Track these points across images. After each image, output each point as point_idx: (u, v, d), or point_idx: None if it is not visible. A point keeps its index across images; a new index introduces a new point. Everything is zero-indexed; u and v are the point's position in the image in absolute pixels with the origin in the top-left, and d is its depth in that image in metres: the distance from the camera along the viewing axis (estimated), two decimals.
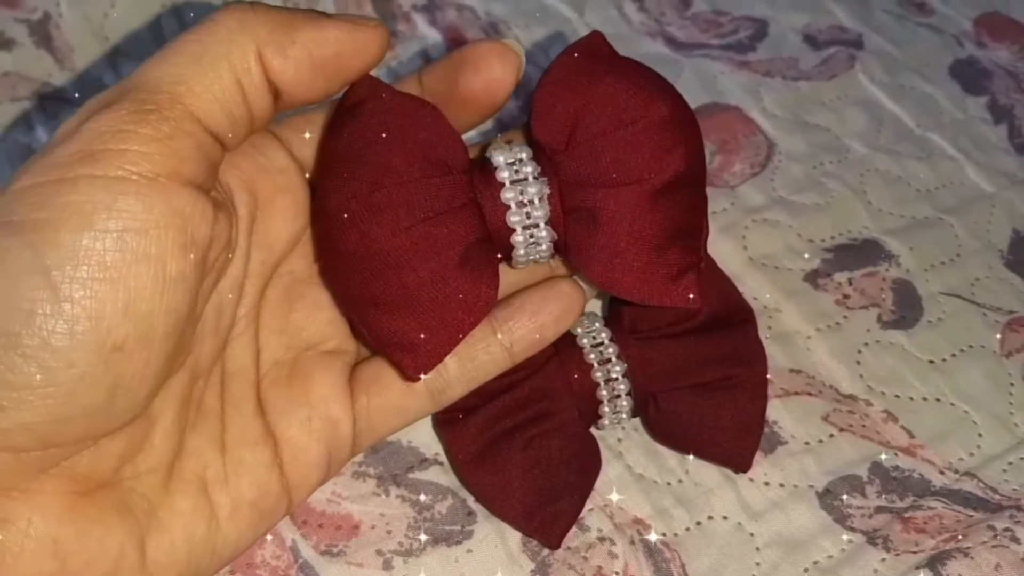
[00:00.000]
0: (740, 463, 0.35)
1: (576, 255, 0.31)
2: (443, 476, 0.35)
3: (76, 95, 0.44)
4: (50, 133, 0.42)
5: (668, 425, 0.35)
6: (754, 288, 0.42)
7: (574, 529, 0.34)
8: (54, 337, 0.24)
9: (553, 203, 0.31)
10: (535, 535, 0.34)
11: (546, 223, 0.31)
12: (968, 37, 0.54)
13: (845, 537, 0.35)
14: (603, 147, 0.30)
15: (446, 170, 0.30)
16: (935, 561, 0.34)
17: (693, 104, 0.34)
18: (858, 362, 0.40)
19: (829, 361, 0.40)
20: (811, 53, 0.52)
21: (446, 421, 0.35)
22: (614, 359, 0.35)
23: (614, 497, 0.35)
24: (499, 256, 0.32)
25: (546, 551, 0.34)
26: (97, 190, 0.24)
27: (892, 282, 0.43)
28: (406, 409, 0.33)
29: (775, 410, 0.38)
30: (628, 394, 0.35)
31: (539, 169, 0.31)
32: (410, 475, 0.35)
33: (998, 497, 0.37)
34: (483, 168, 0.31)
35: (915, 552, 0.35)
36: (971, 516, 0.36)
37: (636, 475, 0.36)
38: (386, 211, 0.29)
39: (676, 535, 0.35)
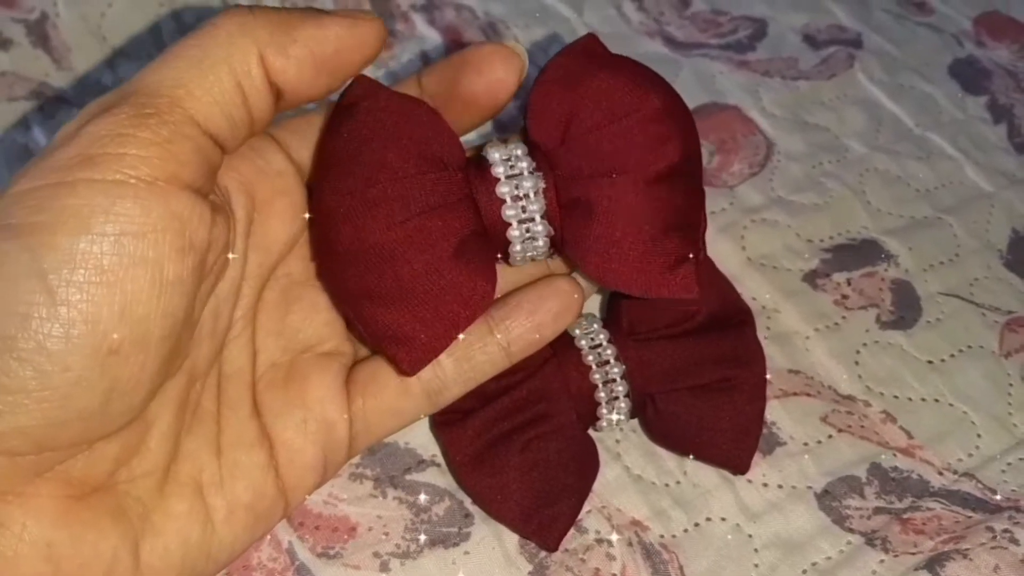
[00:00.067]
0: (738, 465, 0.35)
1: (573, 248, 0.31)
2: (440, 478, 0.35)
3: (73, 95, 0.44)
4: (47, 133, 0.42)
5: (666, 427, 0.35)
6: (753, 288, 0.42)
7: (572, 531, 0.34)
8: (50, 341, 0.24)
9: (549, 197, 0.31)
10: (533, 538, 0.34)
11: (542, 217, 0.31)
12: (968, 36, 0.54)
13: (844, 538, 0.35)
14: (597, 140, 0.30)
15: (442, 166, 0.30)
16: (934, 562, 0.34)
17: (692, 104, 0.34)
18: (857, 362, 0.40)
19: (828, 361, 0.40)
20: (810, 53, 0.52)
21: (444, 423, 0.35)
22: (612, 360, 0.35)
23: (612, 499, 0.35)
24: (497, 256, 0.32)
25: (544, 553, 0.34)
26: (95, 194, 0.24)
27: (891, 282, 0.43)
28: (402, 410, 0.33)
29: (774, 411, 0.38)
30: (626, 396, 0.35)
31: (534, 164, 0.31)
32: (407, 477, 0.35)
33: (997, 498, 0.37)
34: (479, 165, 0.31)
35: (914, 553, 0.35)
36: (970, 517, 0.36)
37: (634, 476, 0.36)
38: (381, 206, 0.29)
39: (674, 536, 0.35)
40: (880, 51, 0.53)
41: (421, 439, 0.36)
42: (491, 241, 0.31)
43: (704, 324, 0.36)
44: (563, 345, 0.35)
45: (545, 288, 0.33)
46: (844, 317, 0.42)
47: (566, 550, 0.34)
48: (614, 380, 0.35)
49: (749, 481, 0.36)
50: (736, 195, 0.45)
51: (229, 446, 0.30)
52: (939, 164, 0.48)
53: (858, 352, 0.40)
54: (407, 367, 0.31)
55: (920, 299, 0.43)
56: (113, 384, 0.25)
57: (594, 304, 0.40)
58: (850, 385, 0.39)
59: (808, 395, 0.39)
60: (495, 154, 0.31)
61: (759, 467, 0.37)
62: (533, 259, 0.32)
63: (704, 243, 0.33)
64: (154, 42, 0.46)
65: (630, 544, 0.34)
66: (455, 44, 0.49)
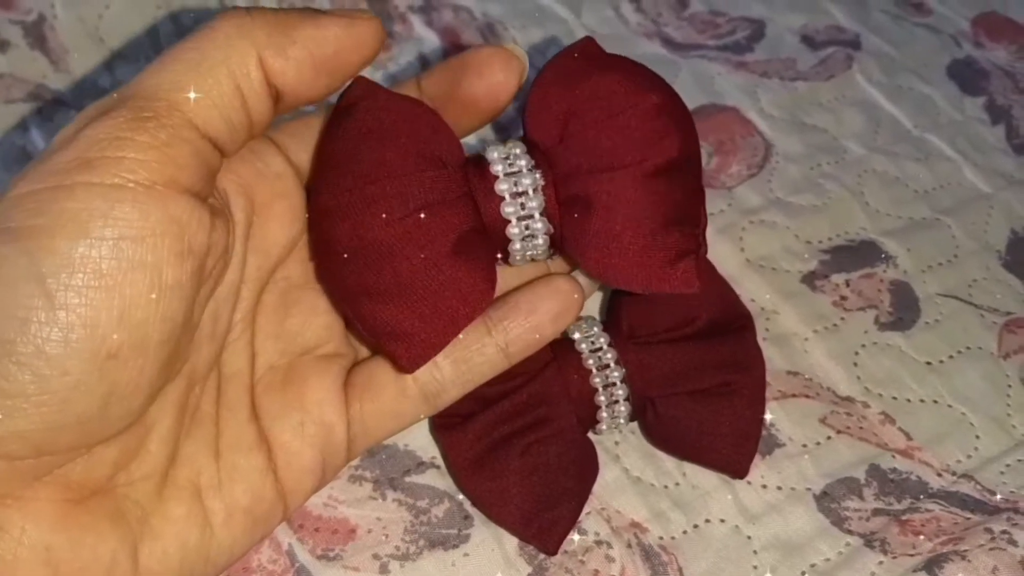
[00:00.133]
0: (737, 470, 0.35)
1: (572, 244, 0.31)
2: (440, 480, 0.35)
3: (71, 97, 0.44)
4: (45, 135, 0.42)
5: (666, 431, 0.35)
6: (751, 290, 0.42)
7: (571, 532, 0.34)
8: (48, 345, 0.24)
9: (548, 194, 0.31)
10: (533, 541, 0.34)
11: (541, 214, 0.31)
12: (966, 37, 0.54)
13: (843, 540, 0.35)
14: (596, 137, 0.30)
15: (440, 165, 0.30)
16: (932, 564, 0.34)
17: (690, 105, 0.34)
18: (855, 364, 0.40)
19: (827, 363, 0.40)
20: (808, 54, 0.52)
21: (443, 426, 0.35)
22: (612, 364, 0.35)
23: (611, 500, 0.35)
24: (497, 255, 0.31)
25: (543, 555, 0.34)
26: (94, 197, 0.24)
27: (890, 283, 0.43)
28: (400, 413, 0.33)
29: (773, 412, 0.38)
30: (626, 399, 0.35)
31: (533, 162, 0.31)
32: (407, 479, 0.35)
33: (995, 500, 0.37)
34: (478, 164, 0.31)
35: (912, 555, 0.35)
36: (968, 518, 0.36)
37: (633, 478, 0.36)
38: (379, 202, 0.29)
39: (673, 538, 0.35)
40: (878, 52, 0.53)
41: (420, 441, 0.36)
42: (491, 240, 0.31)
43: (704, 329, 0.36)
44: (563, 348, 0.35)
45: (544, 288, 0.33)
46: (843, 318, 0.42)
47: (565, 552, 0.34)
48: (614, 384, 0.35)
49: (748, 483, 0.36)
50: (735, 196, 0.45)
51: (228, 449, 0.30)
52: (937, 165, 0.48)
53: (857, 353, 0.41)
54: (406, 364, 0.30)
55: (919, 300, 0.43)
56: (112, 388, 0.25)
57: (594, 306, 0.40)
58: (849, 386, 0.39)
59: (807, 396, 0.39)
60: (494, 153, 0.31)
61: (758, 468, 0.37)
62: (533, 259, 0.32)
63: (705, 241, 0.32)
64: (152, 44, 0.46)
65: (629, 546, 0.34)
66: (453, 45, 0.49)
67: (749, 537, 0.35)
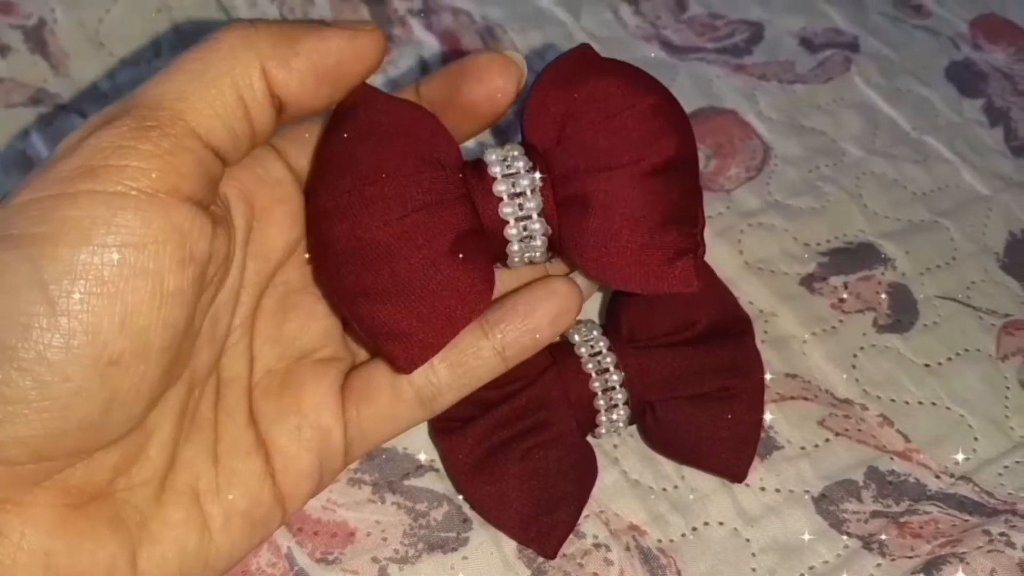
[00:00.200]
0: (736, 474, 0.35)
1: (570, 244, 0.31)
2: (439, 483, 0.35)
3: (71, 101, 0.44)
4: (45, 139, 0.42)
5: (665, 435, 0.35)
6: (750, 292, 0.42)
7: (570, 536, 0.34)
8: (50, 351, 0.24)
9: (546, 195, 0.31)
10: (532, 545, 0.34)
11: (539, 214, 0.31)
12: (964, 39, 0.54)
13: (841, 542, 0.35)
14: (593, 137, 0.30)
15: (439, 167, 0.30)
16: (931, 566, 0.34)
17: (688, 108, 0.34)
18: (854, 366, 0.40)
19: (825, 365, 0.40)
20: (807, 56, 0.52)
21: (443, 430, 0.35)
22: (612, 368, 0.35)
23: (610, 503, 0.35)
24: (495, 258, 0.32)
25: (542, 558, 0.34)
26: (97, 205, 0.24)
27: (888, 286, 0.43)
28: (397, 417, 0.33)
29: (771, 414, 0.38)
30: (625, 403, 0.35)
31: (531, 164, 0.31)
32: (405, 482, 0.35)
33: (994, 501, 0.37)
34: (476, 166, 0.31)
35: (911, 557, 0.35)
36: (967, 521, 0.36)
37: (632, 481, 0.36)
38: (377, 203, 0.29)
39: (672, 541, 0.35)
40: (877, 54, 0.53)
41: (419, 444, 0.36)
42: (489, 241, 0.31)
43: (704, 333, 0.36)
44: (562, 352, 0.35)
45: (541, 290, 0.33)
46: (841, 321, 0.42)
47: (564, 555, 0.34)
48: (613, 388, 0.35)
49: (747, 485, 0.36)
50: (733, 199, 0.45)
51: (226, 453, 0.30)
52: (936, 167, 0.48)
53: (855, 356, 0.41)
54: (404, 364, 0.30)
55: (917, 302, 0.43)
56: (113, 394, 0.25)
57: (593, 309, 0.40)
58: (847, 389, 0.40)
59: (805, 399, 0.39)
60: (492, 155, 0.31)
61: (757, 471, 0.37)
62: (531, 261, 0.32)
63: (703, 241, 0.32)
64: (152, 48, 0.47)
65: (628, 549, 0.35)
66: (453, 49, 0.49)
67: (748, 540, 0.35)
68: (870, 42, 0.53)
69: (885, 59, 0.52)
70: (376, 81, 0.31)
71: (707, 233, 0.34)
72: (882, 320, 0.42)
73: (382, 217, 0.29)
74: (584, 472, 0.34)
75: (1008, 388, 0.40)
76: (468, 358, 0.32)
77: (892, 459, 0.38)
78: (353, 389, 0.32)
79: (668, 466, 0.37)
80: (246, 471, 0.30)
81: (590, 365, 0.35)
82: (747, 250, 0.43)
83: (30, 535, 0.25)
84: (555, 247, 0.32)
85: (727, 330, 0.36)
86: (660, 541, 0.35)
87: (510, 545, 0.34)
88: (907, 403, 0.39)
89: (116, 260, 0.24)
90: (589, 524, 0.35)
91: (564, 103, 0.31)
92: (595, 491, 0.35)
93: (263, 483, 0.30)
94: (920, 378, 0.40)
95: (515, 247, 0.31)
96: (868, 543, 0.35)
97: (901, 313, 0.42)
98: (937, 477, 0.37)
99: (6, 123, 0.43)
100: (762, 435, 0.37)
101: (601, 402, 0.35)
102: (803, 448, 0.38)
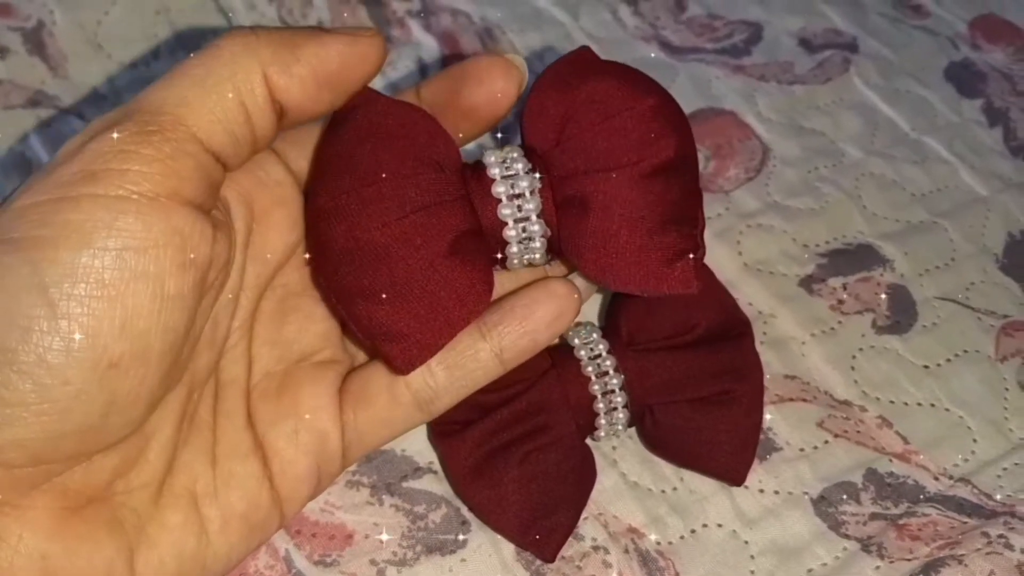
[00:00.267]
0: (735, 477, 0.35)
1: (569, 245, 0.31)
2: (437, 485, 0.35)
3: (69, 103, 0.44)
4: (43, 141, 0.42)
5: (664, 438, 0.35)
6: (749, 294, 0.42)
7: (568, 538, 0.34)
8: (50, 354, 0.24)
9: (545, 196, 0.31)
10: (531, 548, 0.34)
11: (538, 216, 0.31)
12: (963, 39, 0.54)
13: (840, 544, 0.35)
14: (592, 138, 0.30)
15: (438, 168, 0.30)
16: (929, 568, 0.34)
17: (688, 109, 0.34)
18: (853, 368, 0.40)
19: (824, 367, 0.40)
20: (806, 57, 0.52)
21: (442, 433, 0.35)
22: (611, 371, 0.35)
23: (609, 506, 0.35)
24: (495, 259, 0.32)
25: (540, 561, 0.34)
26: (98, 209, 0.24)
27: (887, 287, 0.43)
28: (394, 420, 0.33)
29: (769, 416, 0.38)
30: (624, 407, 0.35)
31: (530, 165, 0.31)
32: (404, 484, 0.35)
33: (992, 503, 0.37)
34: (475, 168, 0.31)
35: (909, 559, 0.35)
36: (965, 523, 0.36)
37: (631, 483, 0.36)
38: (376, 204, 0.29)
39: (671, 543, 0.35)
40: (876, 55, 0.53)
41: (417, 446, 0.36)
42: (488, 243, 0.31)
43: (704, 336, 0.36)
44: (562, 355, 0.35)
45: (539, 292, 0.32)
46: (840, 322, 0.42)
47: (563, 557, 0.34)
48: (613, 391, 0.35)
49: (745, 487, 0.36)
50: (732, 200, 0.45)
51: (224, 456, 0.30)
52: (935, 168, 0.48)
53: (854, 357, 0.41)
54: (401, 365, 0.30)
55: (916, 304, 0.43)
56: (112, 398, 0.25)
57: (592, 312, 0.40)
58: (846, 390, 0.40)
59: (804, 400, 0.39)
60: (491, 157, 0.31)
61: (755, 473, 0.37)
62: (530, 263, 0.32)
63: (703, 243, 0.32)
64: (150, 51, 0.47)
65: (626, 551, 0.35)
66: (451, 50, 0.49)
67: (746, 542, 0.35)
68: (869, 43, 0.53)
69: (884, 60, 0.52)
70: (375, 83, 0.31)
71: (706, 235, 0.34)
72: (881, 321, 0.42)
73: (380, 218, 0.29)
74: (583, 475, 0.34)
75: (1007, 390, 0.40)
76: (466, 360, 0.32)
77: (891, 461, 0.38)
78: (351, 392, 0.32)
79: (667, 468, 0.37)
80: (244, 474, 0.30)
81: (590, 368, 0.35)
82: (746, 251, 0.43)
83: (27, 538, 0.26)
84: (554, 249, 0.32)
85: (727, 333, 0.36)
86: (659, 543, 0.35)
87: (508, 547, 0.34)
88: (906, 404, 0.39)
89: (117, 263, 0.24)
90: (588, 526, 0.35)
91: (563, 105, 0.31)
92: (594, 493, 0.35)
93: (261, 486, 0.30)
94: (919, 379, 0.40)
95: (514, 249, 0.31)
96: (867, 545, 0.35)
97: (900, 314, 0.42)
98: (936, 479, 0.37)
99: (5, 125, 0.43)
100: (761, 437, 0.37)
101: (600, 405, 0.34)
102: (802, 450, 0.38)
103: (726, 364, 0.35)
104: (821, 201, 0.46)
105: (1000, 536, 0.35)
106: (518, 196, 0.31)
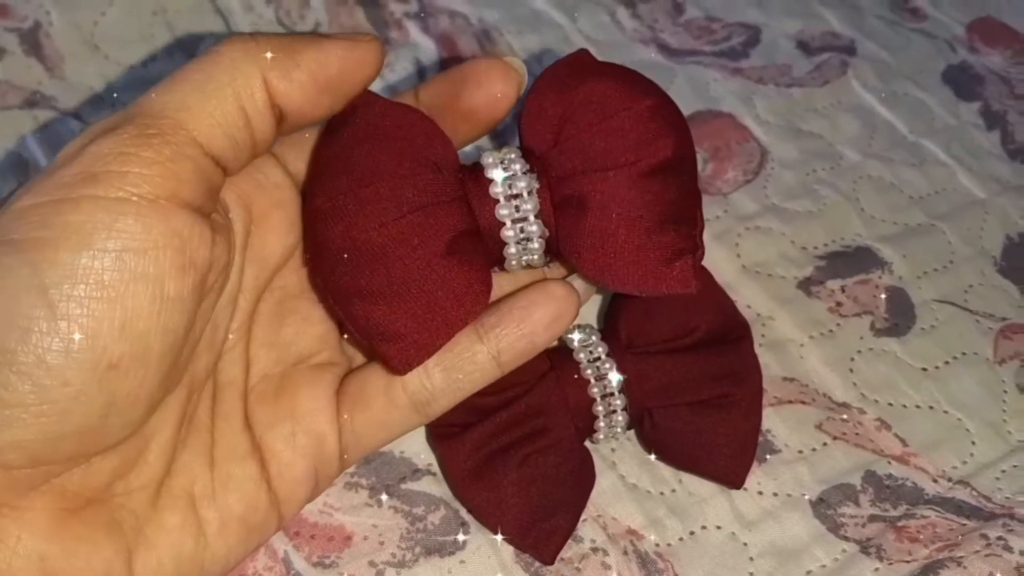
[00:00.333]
0: (734, 480, 0.35)
1: (567, 245, 0.31)
2: (436, 487, 0.35)
3: (66, 104, 0.44)
4: (40, 142, 0.42)
5: (663, 441, 0.35)
6: (747, 296, 0.42)
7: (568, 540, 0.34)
8: (49, 355, 0.24)
9: (543, 197, 0.31)
10: (530, 551, 0.34)
11: (536, 216, 0.31)
12: (961, 42, 0.54)
13: (839, 546, 0.35)
14: (590, 138, 0.30)
15: (436, 169, 0.30)
16: (928, 570, 0.34)
17: (686, 111, 0.34)
18: (851, 370, 0.40)
19: (822, 369, 0.40)
20: (804, 60, 0.52)
21: (441, 435, 0.34)
22: (611, 374, 0.35)
23: (607, 508, 0.35)
24: (492, 261, 0.31)
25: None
26: (98, 210, 0.24)
27: (885, 289, 0.43)
28: (391, 422, 0.32)
29: (769, 418, 0.38)
30: (624, 409, 0.35)
31: (528, 166, 0.31)
32: (403, 486, 0.35)
33: (991, 505, 0.37)
34: (473, 169, 0.31)
35: (908, 561, 0.35)
36: (964, 525, 0.36)
37: (629, 485, 0.36)
38: (373, 204, 0.29)
39: (669, 545, 0.35)
40: (873, 58, 0.53)
41: (416, 447, 0.36)
42: (486, 244, 0.31)
43: (703, 339, 0.36)
44: (561, 357, 0.35)
45: (537, 293, 0.32)
46: (838, 324, 0.42)
47: (562, 559, 0.34)
48: (612, 394, 0.34)
49: (744, 489, 0.36)
50: (730, 203, 0.45)
51: (222, 458, 0.30)
52: (932, 171, 0.48)
53: (852, 359, 0.41)
54: (398, 365, 0.30)
55: (914, 306, 0.43)
56: (112, 399, 0.25)
57: (592, 314, 0.39)
58: (844, 392, 0.40)
59: (803, 403, 0.39)
60: (489, 158, 0.31)
61: (754, 475, 0.37)
62: (529, 265, 0.32)
63: (702, 243, 0.32)
64: (146, 49, 0.46)
65: (625, 553, 0.34)
66: (449, 52, 0.49)
67: (745, 544, 0.35)
68: (867, 45, 0.53)
69: (882, 62, 0.52)
70: (373, 86, 0.31)
71: (705, 237, 0.34)
72: (879, 324, 0.42)
73: (378, 218, 0.29)
74: (582, 478, 0.34)
75: (1006, 392, 0.40)
76: (463, 362, 0.32)
77: (890, 463, 0.38)
78: (348, 394, 0.32)
79: (665, 470, 0.37)
80: (242, 476, 0.30)
81: (589, 371, 0.35)
82: (744, 254, 0.43)
83: (26, 539, 0.25)
84: (553, 250, 0.32)
85: (726, 336, 0.36)
86: (658, 545, 0.35)
87: (507, 549, 0.34)
88: (904, 407, 0.39)
89: (116, 265, 0.24)
90: (587, 528, 0.35)
91: (561, 106, 0.31)
92: (593, 495, 0.35)
93: (259, 488, 0.30)
94: (918, 382, 0.40)
95: (512, 249, 0.31)
96: (866, 547, 0.35)
97: (898, 317, 0.42)
98: (935, 481, 0.37)
99: (1, 126, 0.43)
100: (760, 439, 0.37)
101: (600, 408, 0.34)
102: (801, 452, 0.38)
103: (725, 367, 0.35)
104: (819, 203, 0.46)
105: (999, 538, 0.35)
106: (516, 196, 0.31)
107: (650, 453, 0.36)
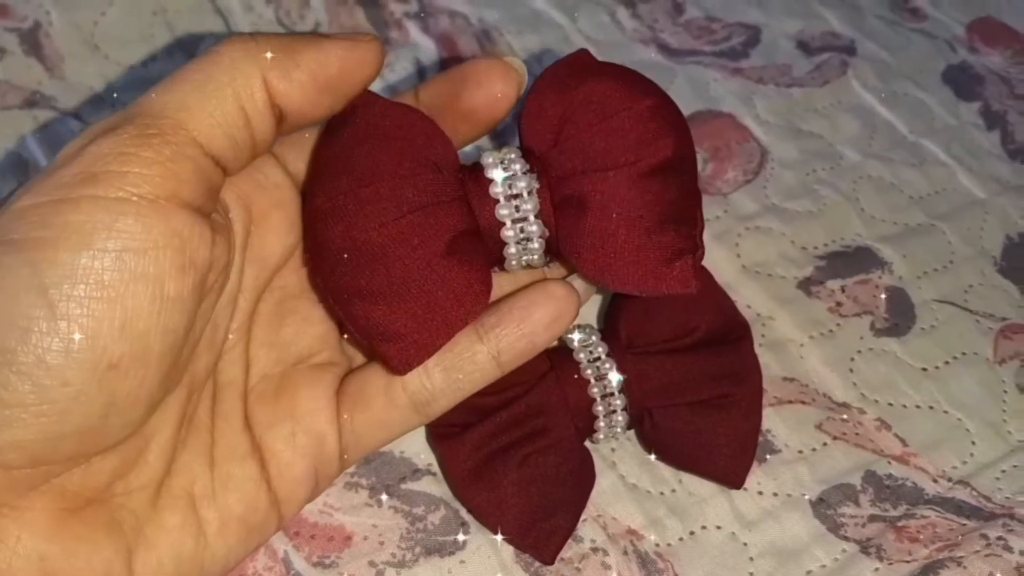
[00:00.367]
0: (734, 480, 0.35)
1: (567, 245, 0.31)
2: (436, 486, 0.35)
3: (66, 103, 0.44)
4: (40, 141, 0.42)
5: (663, 441, 0.35)
6: (747, 296, 0.42)
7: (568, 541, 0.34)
8: (49, 355, 0.24)
9: (543, 196, 0.31)
10: (530, 551, 0.34)
11: (536, 216, 0.31)
12: (961, 42, 0.54)
13: (839, 546, 0.35)
14: (590, 138, 0.30)
15: (436, 169, 0.30)
16: (928, 570, 0.34)
17: (686, 111, 0.34)
18: (851, 370, 0.40)
19: (822, 369, 0.40)
20: (804, 60, 0.52)
21: (441, 435, 0.34)
22: (611, 374, 0.35)
23: (607, 507, 0.35)
24: (493, 262, 0.31)
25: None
26: (98, 210, 0.24)
27: (885, 289, 0.43)
28: (390, 422, 0.32)
29: (768, 419, 0.38)
30: (624, 409, 0.35)
31: (528, 166, 0.31)
32: (402, 486, 0.35)
33: (991, 505, 0.37)
34: (473, 169, 0.31)
35: (908, 561, 0.35)
36: (964, 525, 0.36)
37: (629, 485, 0.36)
38: (373, 204, 0.29)
39: (669, 545, 0.35)
40: (873, 58, 0.53)
41: (416, 448, 0.36)
42: (486, 244, 0.31)
43: (703, 339, 0.36)
44: (561, 358, 0.35)
45: (537, 293, 0.32)
46: (838, 324, 0.42)
47: (562, 559, 0.34)
48: (612, 394, 0.34)
49: (744, 489, 0.36)
50: (730, 203, 0.45)
51: (222, 458, 0.30)
52: (932, 171, 0.48)
53: (852, 359, 0.41)
54: (398, 365, 0.30)
55: (914, 306, 0.43)
56: (112, 399, 0.25)
57: (592, 314, 0.39)
58: (845, 392, 0.40)
59: (803, 403, 0.39)
60: (489, 158, 0.31)
61: (754, 475, 0.37)
62: (529, 265, 0.32)
63: (703, 243, 0.32)
64: (147, 51, 0.46)
65: (625, 553, 0.34)
66: (450, 53, 0.49)
67: (745, 544, 0.35)
68: (867, 45, 0.53)
69: (882, 62, 0.52)
70: (374, 86, 0.31)
71: (705, 237, 0.34)
72: (879, 324, 0.42)
73: (378, 218, 0.29)
74: (582, 478, 0.34)
75: (1006, 392, 0.40)
76: (463, 363, 0.32)
77: (890, 463, 0.38)
78: (347, 394, 0.32)
79: (665, 470, 0.37)
80: (242, 476, 0.30)
81: (589, 371, 0.35)
82: (744, 254, 0.43)
83: (26, 539, 0.25)
84: (553, 250, 0.32)
85: (726, 336, 0.36)
86: (658, 545, 0.35)
87: (507, 549, 0.34)
88: (904, 407, 0.39)
89: (116, 265, 0.24)
90: (587, 528, 0.35)
91: (561, 106, 0.31)
92: (593, 495, 0.35)
93: (259, 488, 0.30)
94: (918, 382, 0.40)
95: (512, 249, 0.31)
96: (866, 547, 0.35)
97: (898, 317, 0.42)
98: (935, 481, 0.37)
99: (1, 126, 0.43)
100: (760, 439, 0.37)
101: (600, 408, 0.34)
102: (801, 452, 0.38)
103: (725, 367, 0.35)
104: (819, 203, 0.46)
105: (999, 538, 0.35)
106: (516, 196, 0.31)
107: (650, 453, 0.36)
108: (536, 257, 0.32)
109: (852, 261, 0.44)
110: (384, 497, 0.35)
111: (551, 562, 0.33)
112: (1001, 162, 0.49)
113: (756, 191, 0.46)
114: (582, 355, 0.35)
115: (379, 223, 0.29)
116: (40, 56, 0.46)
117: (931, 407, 0.40)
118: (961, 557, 0.35)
